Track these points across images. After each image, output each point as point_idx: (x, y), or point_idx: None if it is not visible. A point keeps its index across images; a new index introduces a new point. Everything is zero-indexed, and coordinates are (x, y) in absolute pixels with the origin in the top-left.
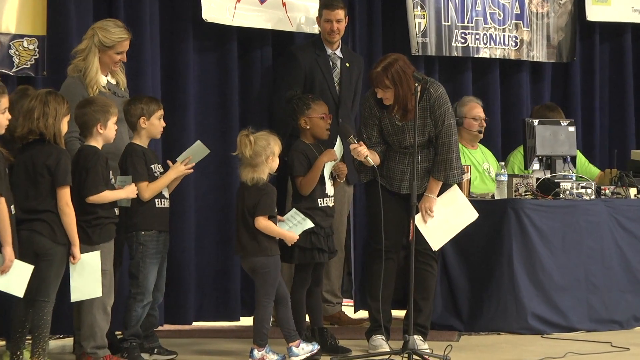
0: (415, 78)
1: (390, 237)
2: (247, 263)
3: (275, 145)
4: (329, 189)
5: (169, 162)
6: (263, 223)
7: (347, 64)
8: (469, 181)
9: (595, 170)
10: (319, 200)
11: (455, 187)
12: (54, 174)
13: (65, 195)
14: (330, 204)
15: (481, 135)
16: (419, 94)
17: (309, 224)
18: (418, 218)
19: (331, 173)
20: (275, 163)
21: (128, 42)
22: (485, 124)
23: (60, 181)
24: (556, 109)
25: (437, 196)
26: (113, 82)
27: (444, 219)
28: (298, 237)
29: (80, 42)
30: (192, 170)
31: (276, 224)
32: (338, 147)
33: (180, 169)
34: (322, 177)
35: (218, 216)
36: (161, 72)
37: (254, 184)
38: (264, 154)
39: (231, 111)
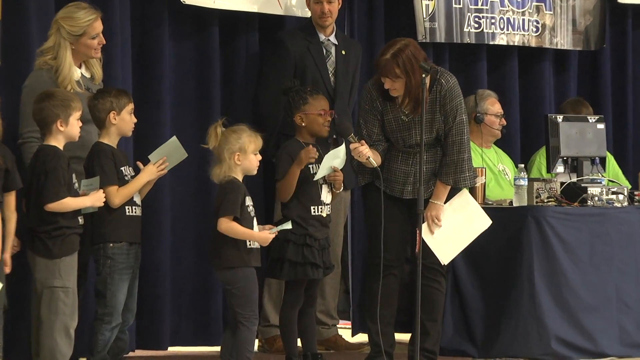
0: (423, 68)
1: (391, 250)
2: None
3: (249, 143)
4: (325, 195)
5: (140, 163)
6: (224, 225)
7: (343, 52)
8: (484, 185)
9: (625, 183)
10: (312, 208)
11: (465, 191)
12: None
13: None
14: (325, 212)
15: (500, 135)
16: (427, 85)
17: (287, 225)
18: (424, 228)
19: (326, 179)
20: (248, 162)
21: (99, 22)
22: (505, 122)
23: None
24: (586, 106)
25: (445, 202)
26: (87, 74)
27: (454, 228)
28: (271, 237)
29: (47, 39)
30: (166, 172)
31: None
32: (339, 154)
33: (152, 170)
34: (316, 182)
35: (198, 225)
36: (132, 62)
37: (219, 182)
38: (229, 149)
39: (212, 105)
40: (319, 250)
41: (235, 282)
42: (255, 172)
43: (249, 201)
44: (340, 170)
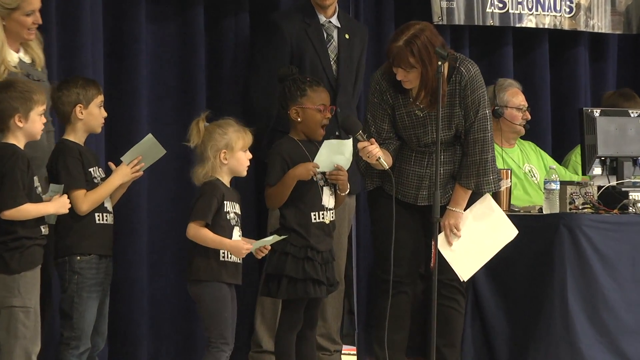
0: (439, 54)
1: (403, 264)
2: None
3: (236, 139)
4: (327, 199)
5: (111, 164)
6: (192, 231)
7: (347, 36)
8: (509, 190)
9: None
10: (312, 214)
11: (488, 196)
12: None
13: None
14: (328, 219)
15: (524, 131)
16: (444, 74)
17: (270, 239)
18: (441, 239)
19: (329, 185)
20: (236, 162)
21: None
22: (529, 116)
23: None
24: (634, 99)
25: (465, 209)
26: (26, 60)
27: (475, 239)
28: (246, 248)
29: None
30: (142, 173)
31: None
32: (343, 149)
33: (126, 171)
34: (315, 183)
35: (179, 235)
36: (104, 47)
37: (199, 185)
38: (213, 146)
39: (196, 98)
40: (322, 264)
41: (201, 298)
42: (244, 173)
43: (230, 207)
44: (345, 174)
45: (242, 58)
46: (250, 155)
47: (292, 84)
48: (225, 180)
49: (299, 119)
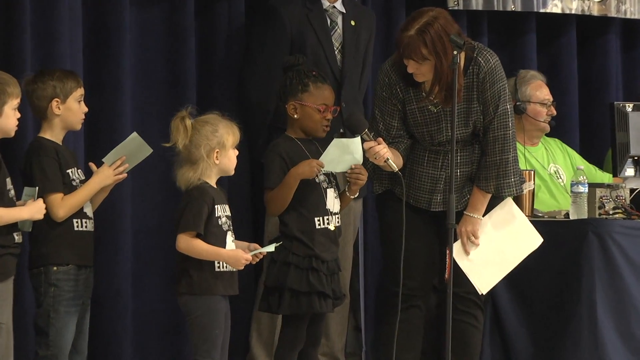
0: (454, 43)
1: (415, 275)
2: None
3: (227, 134)
4: (331, 202)
5: (93, 164)
6: (183, 243)
7: (353, 22)
8: (532, 193)
9: None
10: (316, 220)
11: (510, 201)
12: None
13: None
14: (333, 224)
15: (549, 128)
16: (460, 65)
17: (270, 247)
18: (457, 248)
19: (334, 180)
20: (227, 160)
21: None
22: (555, 111)
23: None
24: None
25: (484, 215)
26: None
27: (495, 248)
28: (246, 258)
29: None
30: (126, 175)
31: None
32: (352, 149)
33: (108, 173)
34: (318, 185)
35: (166, 244)
36: (83, 35)
37: (186, 189)
38: (206, 145)
39: (185, 91)
40: (328, 275)
41: (192, 311)
42: (233, 172)
43: (221, 211)
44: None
45: (237, 47)
46: (237, 152)
47: (294, 76)
48: (213, 181)
49: (295, 116)
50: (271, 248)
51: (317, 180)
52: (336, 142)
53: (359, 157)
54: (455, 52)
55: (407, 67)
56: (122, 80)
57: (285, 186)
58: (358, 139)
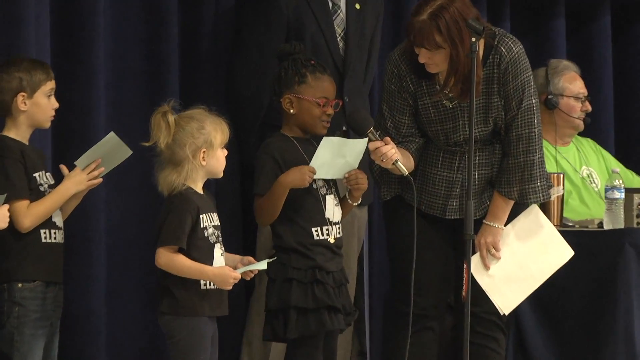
0: (472, 28)
1: (427, 293)
2: None
3: (215, 132)
4: (331, 210)
5: (64, 167)
6: (163, 258)
7: (357, 6)
8: (561, 199)
9: None
10: (313, 230)
11: (536, 208)
12: None
13: None
14: (333, 235)
15: (583, 126)
16: (479, 54)
17: (262, 264)
18: (476, 262)
19: (333, 185)
20: (215, 161)
21: None
22: (590, 107)
23: None
24: None
25: (506, 224)
26: None
27: (519, 262)
28: (234, 277)
29: None
30: (101, 180)
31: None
32: (346, 152)
33: (80, 178)
34: (315, 191)
35: (144, 257)
36: (52, 20)
37: (168, 195)
38: (191, 144)
39: (167, 84)
40: (336, 287)
41: (175, 333)
42: (221, 174)
43: (207, 220)
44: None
45: (226, 33)
46: (226, 152)
47: (290, 66)
48: (199, 186)
49: (292, 110)
50: (263, 265)
51: (314, 186)
52: (325, 142)
53: (352, 160)
54: (473, 39)
55: (419, 56)
56: (94, 71)
57: (272, 195)
58: (354, 141)
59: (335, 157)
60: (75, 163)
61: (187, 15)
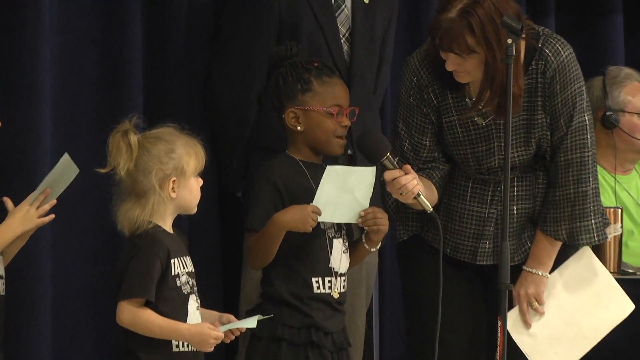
0: (507, 27)
1: (454, 357)
2: None
3: (187, 156)
4: (338, 257)
5: (8, 200)
6: (126, 314)
7: (366, 0)
8: (619, 240)
9: None
10: (314, 281)
11: (588, 251)
12: None
13: None
14: (338, 289)
15: None
16: (519, 58)
17: (251, 321)
18: (514, 318)
19: (345, 226)
20: (187, 193)
21: None
22: None
23: None
24: None
25: (551, 271)
26: None
27: (568, 319)
28: (215, 337)
29: None
30: (53, 216)
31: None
32: (353, 186)
33: (29, 215)
34: (322, 232)
35: (101, 312)
36: None
37: (130, 235)
38: (158, 171)
39: (127, 94)
40: (335, 352)
41: None
42: (195, 209)
43: (179, 266)
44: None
45: (201, 31)
46: (201, 182)
47: (290, 72)
48: (168, 223)
49: (298, 127)
50: (253, 322)
51: (321, 225)
52: (329, 172)
53: (361, 196)
54: (509, 41)
55: (446, 62)
56: (38, 79)
57: (266, 235)
58: (356, 169)
59: (341, 191)
60: (26, 201)
61: (153, 10)
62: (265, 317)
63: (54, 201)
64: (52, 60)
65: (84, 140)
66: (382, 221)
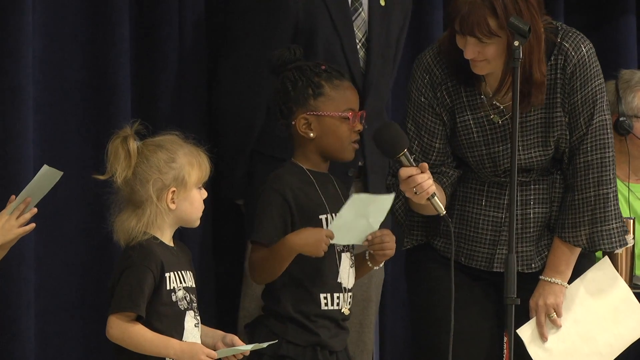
0: (513, 28)
1: None
2: None
3: (189, 166)
4: (345, 273)
5: None
6: (115, 328)
7: (382, 2)
8: (632, 252)
9: None
10: (322, 297)
11: (608, 261)
12: None
13: None
14: (346, 305)
15: None
16: (537, 43)
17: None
18: (531, 330)
19: (351, 250)
20: (189, 205)
21: None
22: None
23: None
24: None
25: (570, 281)
26: None
27: (584, 333)
28: (208, 356)
29: None
30: (33, 225)
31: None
32: (371, 212)
33: (9, 225)
34: (331, 247)
35: (90, 327)
36: None
37: (125, 247)
38: (156, 180)
39: (115, 99)
40: None
41: None
42: (198, 222)
43: (176, 280)
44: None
45: (192, 33)
46: (205, 194)
47: (299, 76)
48: (167, 236)
49: (311, 134)
50: (251, 348)
51: (337, 247)
52: (353, 200)
53: (374, 220)
54: (517, 43)
55: (465, 49)
56: (21, 82)
57: (276, 255)
58: (378, 197)
59: (357, 217)
60: (4, 211)
61: (142, 12)
62: (270, 342)
63: (35, 210)
64: (35, 63)
65: (68, 146)
66: (389, 245)
